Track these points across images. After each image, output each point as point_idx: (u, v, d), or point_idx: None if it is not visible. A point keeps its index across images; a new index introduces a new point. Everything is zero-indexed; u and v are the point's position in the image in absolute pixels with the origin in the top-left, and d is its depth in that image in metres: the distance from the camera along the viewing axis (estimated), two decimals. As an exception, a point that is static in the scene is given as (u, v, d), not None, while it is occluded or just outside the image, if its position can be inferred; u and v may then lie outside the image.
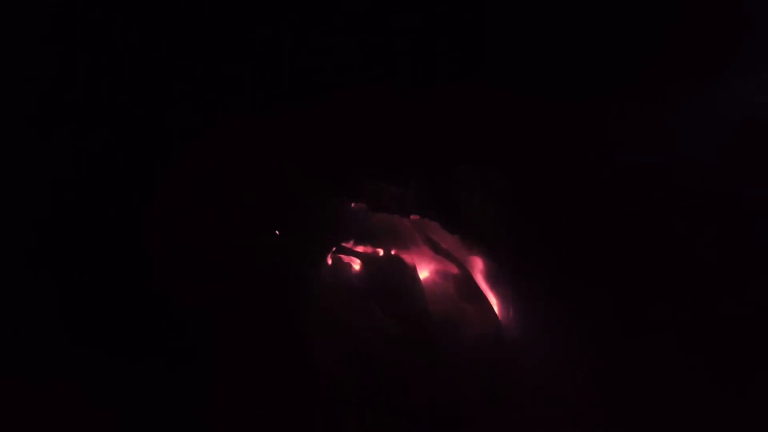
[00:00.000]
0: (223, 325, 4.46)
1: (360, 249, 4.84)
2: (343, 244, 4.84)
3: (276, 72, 4.53)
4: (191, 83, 4.50)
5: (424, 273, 4.94)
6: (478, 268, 4.93)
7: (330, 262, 4.79)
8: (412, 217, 4.92)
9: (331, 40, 4.46)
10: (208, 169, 4.60)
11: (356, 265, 4.79)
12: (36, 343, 4.29)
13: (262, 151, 4.59)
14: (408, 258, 4.90)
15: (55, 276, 4.45)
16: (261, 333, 4.45)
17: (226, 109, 4.56)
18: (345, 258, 4.82)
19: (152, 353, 4.40)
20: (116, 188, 4.53)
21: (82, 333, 4.39)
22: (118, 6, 4.28)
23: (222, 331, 4.45)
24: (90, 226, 4.52)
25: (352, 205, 4.84)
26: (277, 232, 4.82)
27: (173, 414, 4.20)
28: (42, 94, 4.40)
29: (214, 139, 4.56)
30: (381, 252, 4.89)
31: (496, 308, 4.71)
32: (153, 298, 4.44)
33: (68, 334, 4.37)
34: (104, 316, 4.45)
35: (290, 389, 4.33)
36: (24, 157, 4.44)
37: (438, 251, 5.04)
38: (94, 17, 4.30)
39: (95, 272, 4.50)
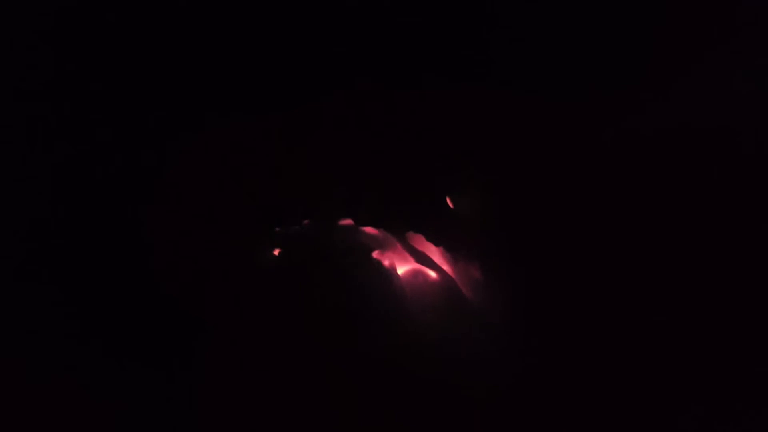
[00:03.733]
0: (223, 325, 4.47)
1: (345, 263, 4.83)
2: (332, 257, 4.84)
3: (276, 72, 4.56)
4: (191, 83, 4.52)
5: (411, 285, 4.94)
6: (467, 279, 4.91)
7: (322, 273, 4.78)
8: (397, 229, 4.95)
9: (331, 40, 4.48)
10: (208, 168, 4.62)
11: (344, 278, 4.79)
12: (35, 343, 4.29)
13: (262, 151, 4.60)
14: (395, 270, 4.91)
15: (55, 276, 4.46)
16: (260, 334, 4.45)
17: (226, 109, 4.58)
18: (333, 270, 4.81)
19: (152, 354, 4.39)
20: (116, 188, 4.55)
21: (81, 333, 4.39)
22: (117, 6, 4.32)
23: (222, 332, 4.45)
24: (90, 226, 4.52)
25: (339, 222, 4.87)
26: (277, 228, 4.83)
27: (173, 415, 4.20)
28: (41, 94, 4.43)
29: (214, 139, 4.58)
30: (367, 265, 4.88)
31: (484, 320, 4.67)
32: (152, 298, 4.45)
33: (67, 335, 4.37)
34: (103, 317, 4.45)
35: (289, 391, 4.32)
36: (23, 157, 4.46)
37: (424, 263, 5.04)
38: (92, 17, 4.33)
39: (95, 272, 4.51)
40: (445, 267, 4.95)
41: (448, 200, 4.80)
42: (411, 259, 5.02)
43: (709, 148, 4.44)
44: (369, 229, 4.92)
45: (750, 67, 4.40)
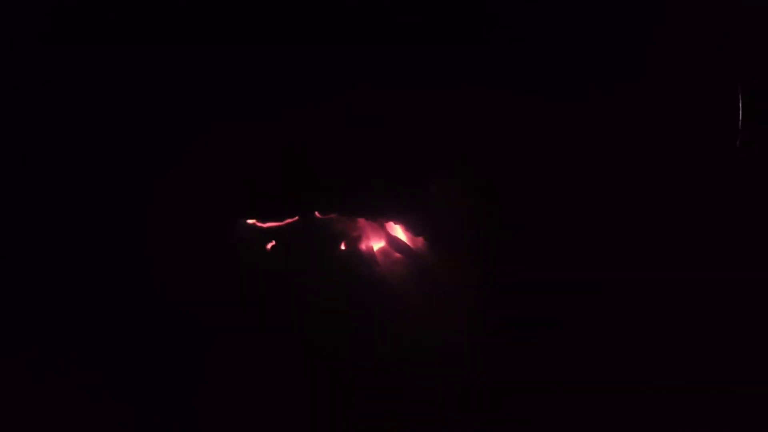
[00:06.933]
0: (222, 324, 4.47)
1: (331, 254, 4.83)
2: (317, 249, 4.84)
3: (275, 72, 4.55)
4: (191, 83, 4.51)
5: (395, 277, 4.93)
6: (453, 273, 4.89)
7: (313, 266, 4.79)
8: (385, 221, 4.94)
9: (330, 41, 4.48)
10: (208, 168, 4.62)
11: (331, 270, 4.79)
12: (35, 343, 4.30)
13: (262, 151, 4.60)
14: (379, 263, 4.90)
15: (55, 276, 4.45)
16: (260, 332, 4.45)
17: (225, 110, 4.57)
18: (321, 263, 4.82)
19: (152, 354, 4.39)
20: (116, 188, 4.54)
21: (81, 333, 4.39)
22: (116, 6, 4.32)
23: (221, 332, 4.45)
24: (89, 226, 4.51)
25: (316, 214, 4.86)
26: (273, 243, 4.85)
27: (173, 415, 4.20)
28: (40, 94, 4.43)
29: (214, 139, 4.58)
30: (352, 258, 4.88)
31: (468, 314, 4.64)
32: (152, 298, 4.45)
33: (67, 335, 4.37)
34: (104, 317, 4.45)
35: (286, 392, 4.33)
36: (23, 157, 4.46)
37: (409, 256, 5.02)
38: (91, 17, 4.34)
39: (95, 272, 4.50)
40: (434, 261, 4.94)
41: (437, 192, 4.79)
42: (392, 248, 5.02)
43: (709, 149, 4.45)
44: (357, 220, 4.92)
45: (750, 67, 4.41)
